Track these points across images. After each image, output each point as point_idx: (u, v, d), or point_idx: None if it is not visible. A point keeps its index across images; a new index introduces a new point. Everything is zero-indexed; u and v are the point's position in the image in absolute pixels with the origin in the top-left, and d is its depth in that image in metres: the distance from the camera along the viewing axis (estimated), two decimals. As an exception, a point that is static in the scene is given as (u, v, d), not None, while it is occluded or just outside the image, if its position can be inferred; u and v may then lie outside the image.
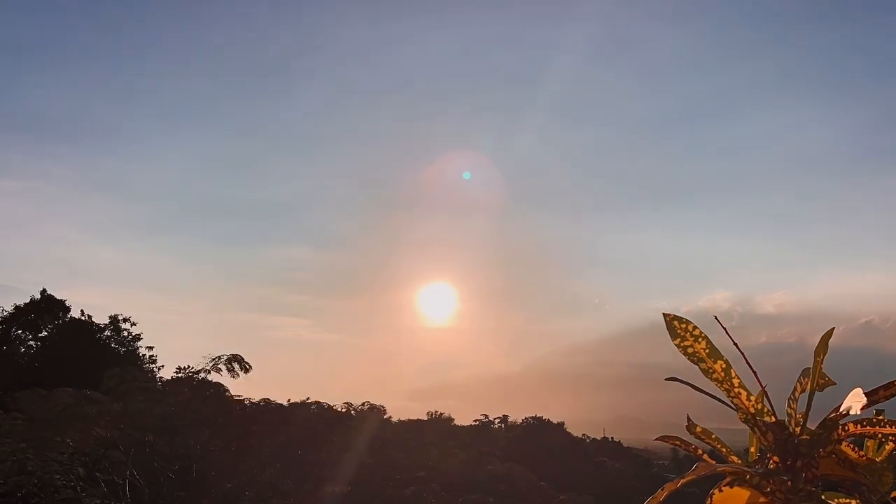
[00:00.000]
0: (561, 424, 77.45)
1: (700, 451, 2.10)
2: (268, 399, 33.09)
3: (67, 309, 43.99)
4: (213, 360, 24.32)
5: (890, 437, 1.80)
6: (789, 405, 1.89)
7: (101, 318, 43.80)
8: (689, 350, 1.88)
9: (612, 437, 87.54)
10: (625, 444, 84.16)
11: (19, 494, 20.74)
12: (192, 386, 24.65)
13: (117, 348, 43.12)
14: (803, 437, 1.77)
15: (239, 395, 28.03)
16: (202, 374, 24.67)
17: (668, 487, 1.74)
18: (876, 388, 1.77)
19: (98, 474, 21.52)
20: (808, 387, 1.87)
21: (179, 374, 26.41)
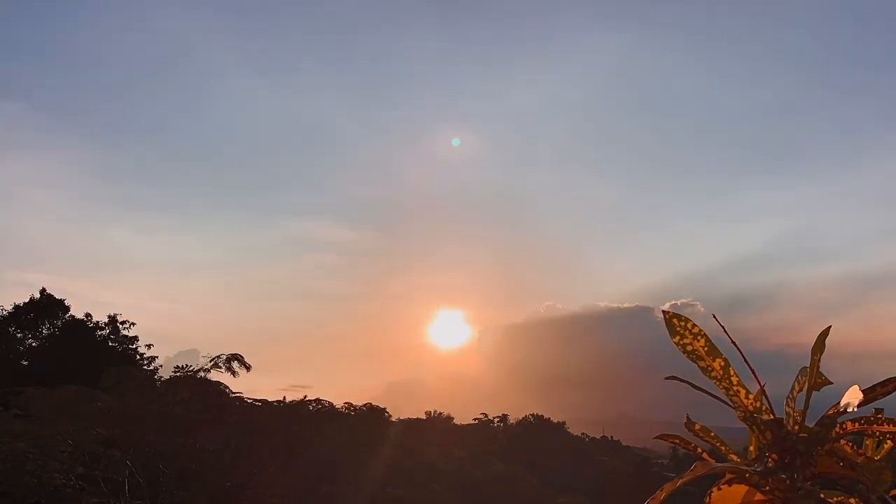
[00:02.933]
0: (560, 423, 77.61)
1: (699, 450, 2.10)
2: (266, 398, 33.14)
3: (67, 308, 44.12)
4: (213, 358, 24.37)
5: (888, 435, 1.81)
6: (787, 404, 1.89)
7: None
8: (688, 348, 1.88)
9: (612, 436, 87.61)
10: (624, 443, 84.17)
11: (18, 494, 20.75)
12: (191, 385, 24.66)
13: (116, 347, 43.16)
14: (801, 435, 1.77)
15: (239, 393, 28.06)
16: (201, 374, 24.70)
17: (668, 487, 1.75)
18: (873, 385, 1.78)
19: (97, 473, 21.52)
20: (806, 385, 1.87)
21: (178, 374, 26.45)
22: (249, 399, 28.73)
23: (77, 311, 44.07)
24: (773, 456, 1.80)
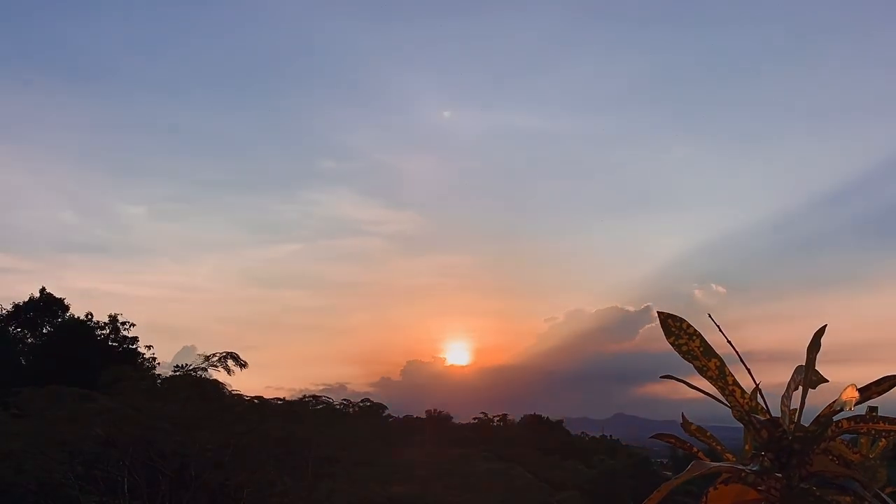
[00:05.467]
0: (559, 422, 77.71)
1: (696, 449, 2.12)
2: (265, 396, 33.16)
3: (66, 308, 44.14)
4: (209, 356, 24.40)
5: (883, 434, 1.82)
6: (783, 403, 1.91)
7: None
8: (684, 348, 1.90)
9: (611, 436, 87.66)
10: (623, 443, 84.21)
11: (17, 493, 20.76)
12: (189, 384, 24.68)
13: (115, 346, 43.15)
14: (797, 433, 1.78)
15: (237, 391, 28.09)
16: (199, 373, 24.73)
17: (665, 487, 1.76)
18: (868, 385, 1.80)
19: (97, 473, 21.53)
20: (802, 384, 1.89)
21: (177, 373, 26.48)
22: (248, 397, 28.76)
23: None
24: (769, 455, 1.81)
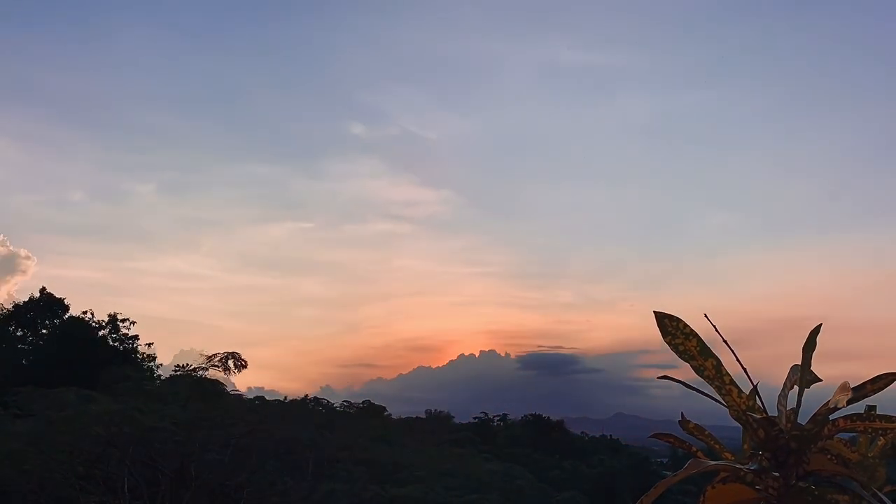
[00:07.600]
0: (559, 422, 77.69)
1: (695, 448, 2.12)
2: (265, 396, 33.22)
3: (67, 308, 44.12)
4: (210, 357, 24.41)
5: (881, 432, 1.83)
6: (780, 402, 1.91)
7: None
8: (681, 348, 1.90)
9: (611, 435, 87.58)
10: (623, 442, 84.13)
11: (18, 494, 20.75)
12: (190, 384, 24.69)
13: (116, 346, 43.13)
14: (794, 432, 1.79)
15: (238, 391, 28.12)
16: (200, 372, 24.74)
17: (662, 484, 1.77)
18: (863, 383, 1.80)
19: (97, 473, 21.53)
20: (798, 383, 1.89)
21: (178, 372, 26.49)
22: (248, 398, 28.77)
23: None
24: (767, 454, 1.82)
